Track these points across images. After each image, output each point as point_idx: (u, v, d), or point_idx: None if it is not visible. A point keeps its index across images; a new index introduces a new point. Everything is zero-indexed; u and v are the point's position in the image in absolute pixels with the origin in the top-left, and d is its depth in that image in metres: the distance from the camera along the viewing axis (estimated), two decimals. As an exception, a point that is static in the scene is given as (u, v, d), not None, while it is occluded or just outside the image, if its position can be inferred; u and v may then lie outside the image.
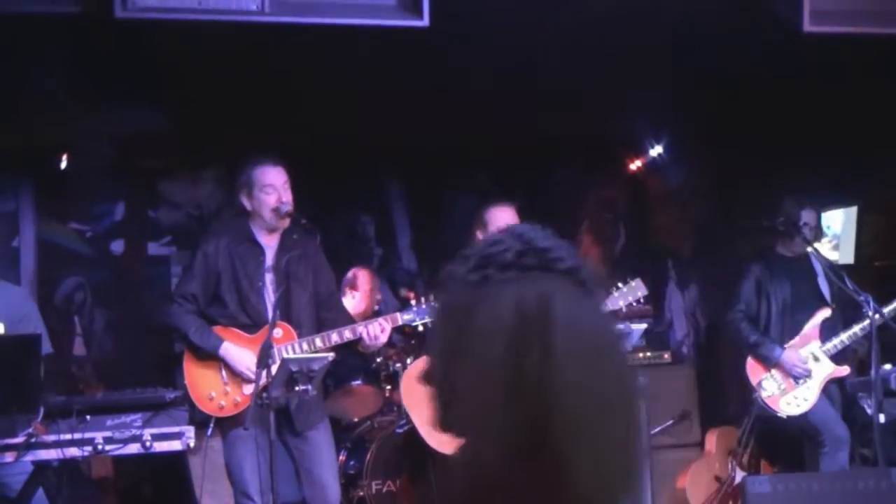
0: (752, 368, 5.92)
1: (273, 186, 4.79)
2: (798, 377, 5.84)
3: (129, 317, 7.27)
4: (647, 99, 6.35)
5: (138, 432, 4.38)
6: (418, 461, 5.48)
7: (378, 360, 6.29)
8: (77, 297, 7.28)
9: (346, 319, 4.95)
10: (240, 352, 4.73)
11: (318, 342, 4.76)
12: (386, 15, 4.51)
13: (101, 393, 4.82)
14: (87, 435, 4.33)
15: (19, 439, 4.22)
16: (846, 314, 5.93)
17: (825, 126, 6.46)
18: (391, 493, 6.01)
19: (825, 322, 5.95)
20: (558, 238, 1.38)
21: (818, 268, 6.06)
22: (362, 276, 6.68)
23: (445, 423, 1.37)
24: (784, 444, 6.30)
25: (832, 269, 5.90)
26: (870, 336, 5.39)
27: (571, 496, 1.27)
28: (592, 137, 7.40)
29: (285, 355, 4.62)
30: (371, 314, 6.29)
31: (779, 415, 5.84)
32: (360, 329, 4.78)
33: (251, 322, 4.78)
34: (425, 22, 4.42)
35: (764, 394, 5.85)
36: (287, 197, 4.80)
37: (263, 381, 4.48)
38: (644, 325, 6.72)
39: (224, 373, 4.76)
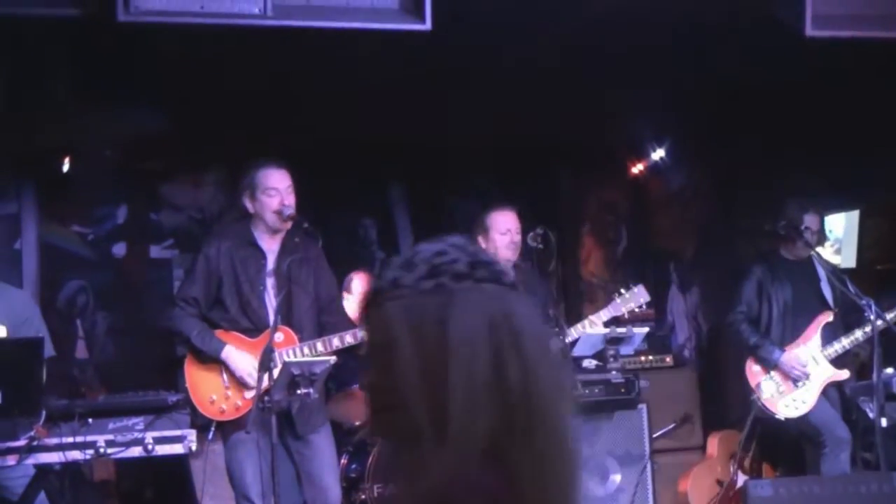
0: (751, 370, 5.92)
1: (276, 189, 4.79)
2: (797, 379, 5.84)
3: (130, 320, 7.27)
4: (649, 102, 6.35)
5: (140, 435, 4.38)
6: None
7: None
8: (79, 300, 7.28)
9: (348, 323, 4.95)
10: (241, 356, 4.73)
11: (320, 346, 4.76)
12: (388, 19, 4.51)
13: (103, 396, 4.83)
14: (89, 438, 4.34)
15: (21, 442, 4.22)
16: (848, 318, 5.92)
17: (827, 129, 6.46)
18: (393, 497, 6.00)
19: (826, 326, 5.94)
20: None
21: (821, 272, 6.05)
22: (361, 280, 6.67)
23: (399, 429, 1.39)
24: (786, 447, 6.30)
25: (834, 273, 5.90)
26: (872, 340, 5.40)
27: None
28: (594, 141, 7.40)
29: (287, 359, 4.62)
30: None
31: (777, 417, 5.84)
32: (362, 333, 4.77)
33: (252, 326, 4.78)
34: (427, 26, 4.42)
35: (763, 396, 5.84)
36: (289, 200, 4.80)
37: (265, 384, 4.48)
38: (646, 329, 6.72)
39: (225, 376, 4.76)
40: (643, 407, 6.36)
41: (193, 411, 4.64)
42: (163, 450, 4.44)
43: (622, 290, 5.49)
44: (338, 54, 5.15)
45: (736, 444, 6.19)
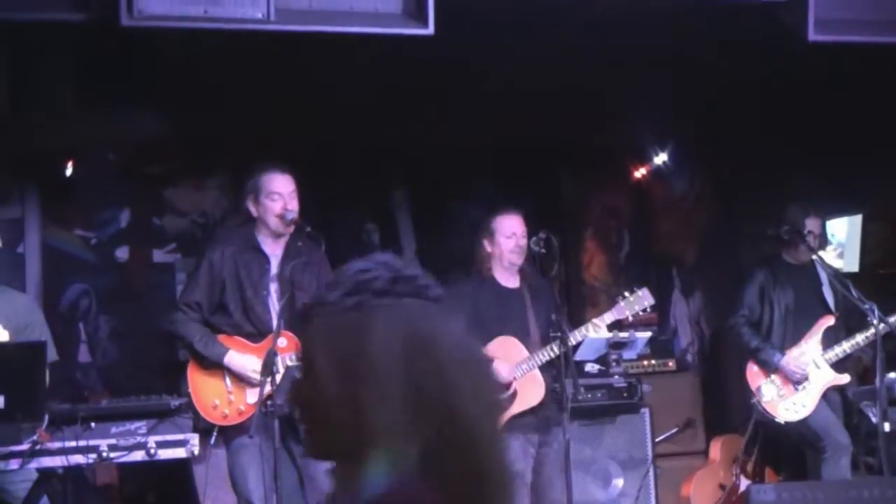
0: (752, 374, 5.91)
1: (280, 194, 4.80)
2: (797, 382, 5.83)
3: (133, 324, 7.26)
4: (652, 106, 6.35)
5: (143, 440, 4.39)
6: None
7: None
8: (82, 304, 7.28)
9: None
10: (244, 360, 4.73)
11: (323, 350, 4.75)
12: (391, 23, 4.51)
13: (106, 400, 4.83)
14: (92, 442, 4.35)
15: (24, 446, 4.23)
16: (849, 322, 5.92)
17: (830, 133, 6.46)
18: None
19: (828, 330, 5.94)
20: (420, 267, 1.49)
21: (823, 276, 6.05)
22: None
23: (327, 446, 1.41)
24: (788, 452, 6.29)
25: (837, 277, 5.90)
26: (874, 344, 5.39)
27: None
28: (597, 145, 7.40)
29: (289, 364, 4.62)
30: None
31: (777, 420, 5.83)
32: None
33: (255, 331, 4.78)
34: (430, 30, 4.41)
35: (763, 399, 5.84)
36: (293, 205, 4.80)
37: (268, 389, 4.48)
38: (649, 334, 6.73)
39: (228, 381, 4.75)
40: (646, 411, 6.37)
41: (196, 416, 4.64)
42: (165, 454, 4.45)
43: (627, 293, 5.47)
44: (340, 59, 5.16)
45: (739, 449, 6.18)
